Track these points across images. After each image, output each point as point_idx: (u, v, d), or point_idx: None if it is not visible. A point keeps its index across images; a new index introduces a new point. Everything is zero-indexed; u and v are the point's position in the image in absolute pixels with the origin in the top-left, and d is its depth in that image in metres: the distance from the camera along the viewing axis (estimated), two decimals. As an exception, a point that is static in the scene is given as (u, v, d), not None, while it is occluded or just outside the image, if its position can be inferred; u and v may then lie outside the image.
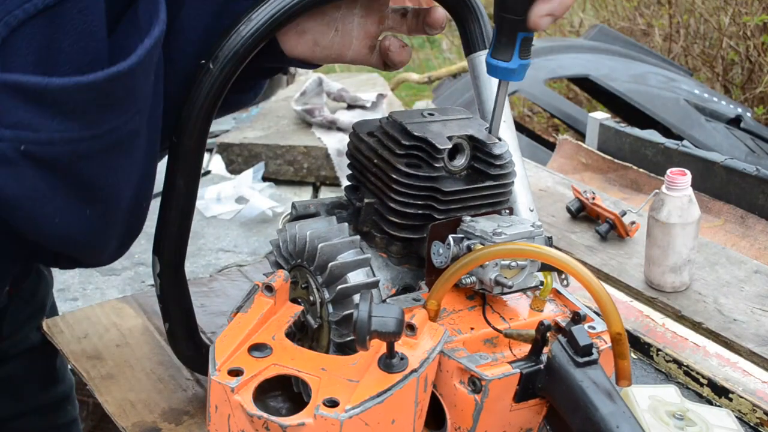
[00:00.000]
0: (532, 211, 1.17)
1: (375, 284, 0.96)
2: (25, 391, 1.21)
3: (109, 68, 0.76)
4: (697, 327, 1.31)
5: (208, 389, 0.87)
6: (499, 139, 1.00)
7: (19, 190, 0.76)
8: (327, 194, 3.36)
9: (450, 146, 0.96)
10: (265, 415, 0.83)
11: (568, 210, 1.63)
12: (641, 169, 1.82)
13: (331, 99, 3.64)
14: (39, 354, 1.17)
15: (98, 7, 0.75)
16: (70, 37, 0.74)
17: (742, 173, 1.65)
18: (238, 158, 3.44)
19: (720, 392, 1.18)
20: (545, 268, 0.95)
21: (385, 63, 1.01)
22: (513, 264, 0.93)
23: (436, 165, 0.96)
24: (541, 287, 0.97)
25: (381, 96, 3.63)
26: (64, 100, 0.74)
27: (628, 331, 1.28)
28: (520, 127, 3.60)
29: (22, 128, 0.73)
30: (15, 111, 0.73)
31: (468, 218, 0.97)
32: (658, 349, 1.26)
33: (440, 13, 1.00)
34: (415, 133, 0.95)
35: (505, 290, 0.93)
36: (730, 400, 1.17)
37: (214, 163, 3.42)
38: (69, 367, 1.27)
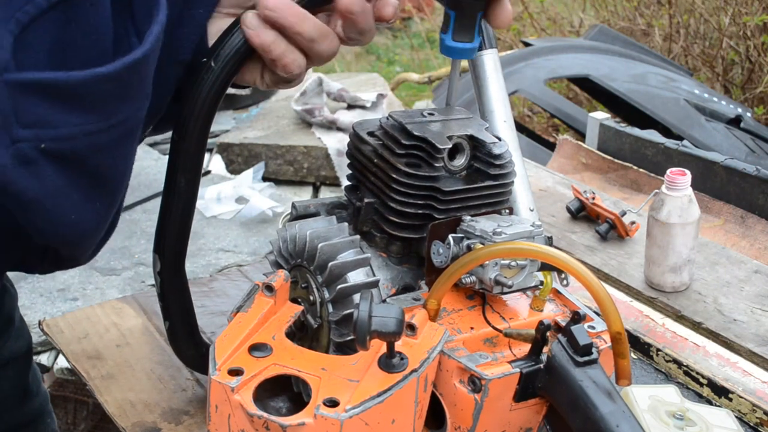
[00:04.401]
0: (532, 210, 1.17)
1: (375, 284, 0.96)
2: (1, 409, 1.17)
3: (124, 57, 0.75)
4: (697, 327, 1.31)
5: (208, 389, 0.87)
6: (499, 139, 1.00)
7: (41, 189, 0.75)
8: (327, 194, 3.36)
9: (450, 146, 0.96)
10: (265, 414, 0.83)
11: (568, 210, 1.63)
12: (641, 169, 1.82)
13: (331, 99, 3.64)
14: (11, 369, 1.15)
15: None
16: (82, 30, 0.73)
17: (742, 173, 1.65)
18: (238, 158, 3.45)
19: (720, 392, 1.18)
20: (545, 267, 0.95)
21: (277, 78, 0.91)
22: (513, 263, 0.93)
23: (436, 165, 0.96)
24: (540, 287, 0.97)
25: (381, 96, 3.63)
26: (84, 93, 0.73)
27: (628, 331, 1.28)
28: (520, 127, 3.59)
29: (41, 126, 0.72)
30: (34, 109, 0.71)
31: (468, 218, 0.97)
32: (658, 349, 1.26)
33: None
34: (415, 133, 0.95)
35: (505, 290, 0.93)
36: (730, 400, 1.17)
37: (214, 163, 3.42)
38: (42, 380, 1.24)
